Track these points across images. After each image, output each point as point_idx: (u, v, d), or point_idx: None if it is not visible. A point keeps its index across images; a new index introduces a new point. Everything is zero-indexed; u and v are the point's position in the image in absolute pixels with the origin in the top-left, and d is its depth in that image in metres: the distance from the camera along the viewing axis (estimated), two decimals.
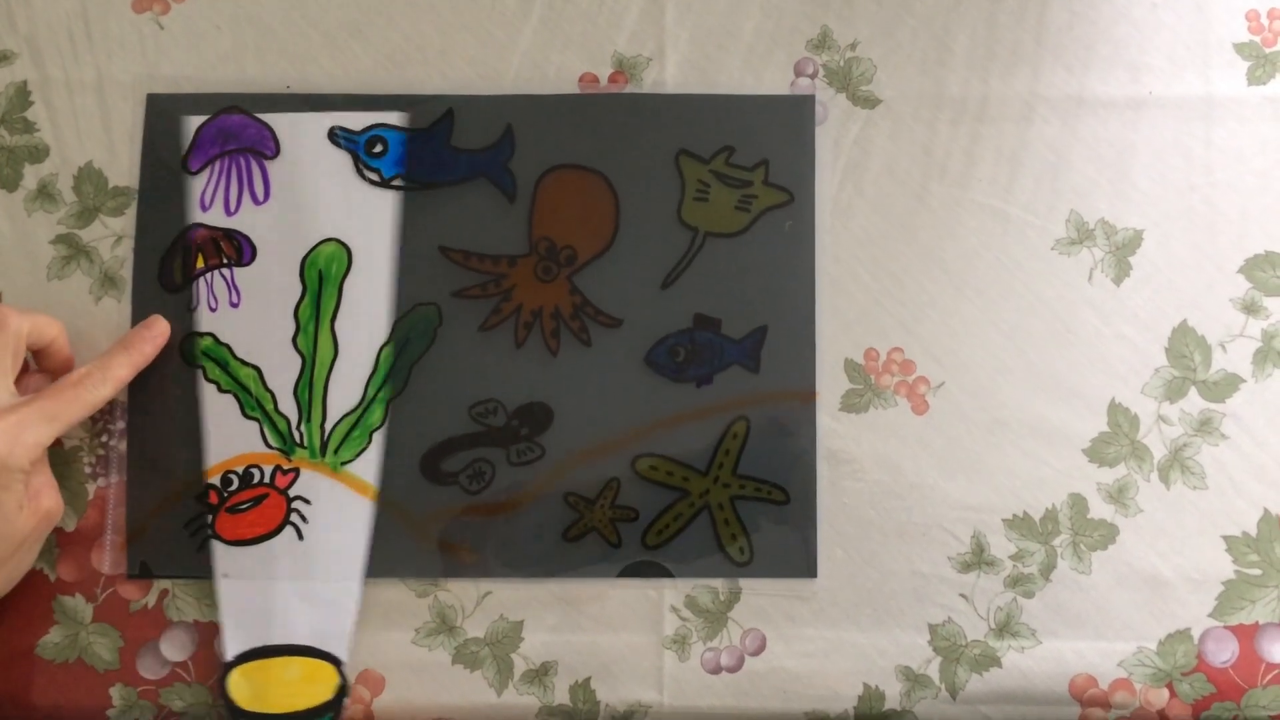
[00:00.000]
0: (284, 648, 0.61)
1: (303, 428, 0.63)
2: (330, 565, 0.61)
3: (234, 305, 0.63)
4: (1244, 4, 0.67)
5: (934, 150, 0.65)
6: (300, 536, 0.62)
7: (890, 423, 0.63)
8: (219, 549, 0.61)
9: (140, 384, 0.62)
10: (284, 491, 0.62)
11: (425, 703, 0.61)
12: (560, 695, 0.62)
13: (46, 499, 0.58)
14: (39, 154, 0.64)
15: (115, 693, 0.61)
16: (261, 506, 0.62)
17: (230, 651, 0.60)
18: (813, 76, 0.66)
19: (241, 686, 0.60)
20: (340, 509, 0.62)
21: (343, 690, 0.60)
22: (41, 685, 0.61)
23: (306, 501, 0.62)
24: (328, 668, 0.60)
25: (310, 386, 0.63)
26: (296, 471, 0.62)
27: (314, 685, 0.60)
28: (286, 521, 0.62)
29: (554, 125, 0.65)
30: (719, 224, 0.64)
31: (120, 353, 0.60)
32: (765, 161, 0.65)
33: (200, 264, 0.64)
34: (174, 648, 0.61)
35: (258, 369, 0.63)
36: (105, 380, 0.59)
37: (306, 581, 0.61)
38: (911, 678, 0.62)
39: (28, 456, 0.56)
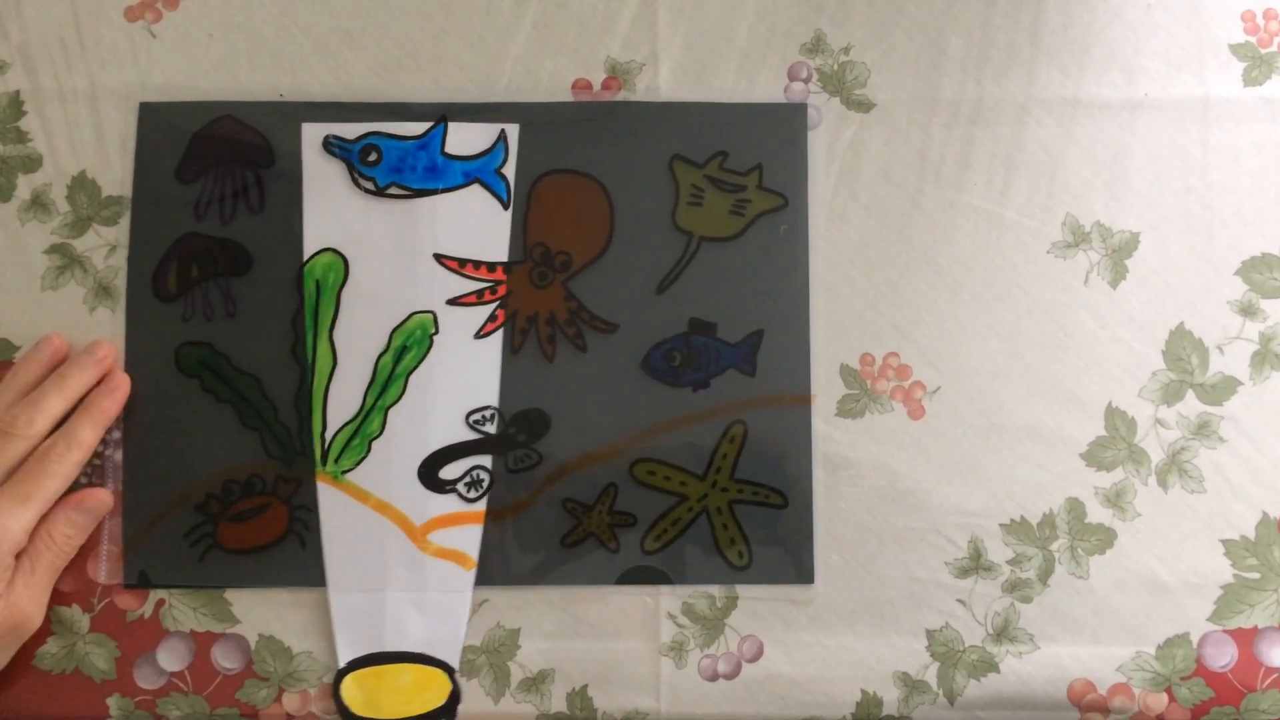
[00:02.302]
0: (396, 655, 0.61)
1: (304, 437, 0.62)
2: (443, 575, 0.62)
3: (230, 315, 0.63)
4: (1239, 5, 0.66)
5: (928, 154, 0.65)
6: (303, 545, 0.62)
7: (886, 428, 0.63)
8: (335, 561, 0.62)
9: (136, 395, 0.62)
10: (287, 500, 0.62)
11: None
12: (557, 703, 0.62)
13: (26, 605, 0.57)
14: (32, 164, 0.64)
15: (112, 703, 0.61)
16: (264, 515, 0.62)
17: (343, 658, 0.61)
18: (806, 81, 0.66)
19: (354, 693, 0.61)
20: (344, 517, 0.62)
21: (455, 697, 0.61)
22: (39, 696, 0.61)
23: (309, 510, 0.62)
24: (440, 675, 0.61)
25: (310, 396, 0.63)
26: (299, 480, 0.62)
27: (426, 692, 0.61)
28: (290, 530, 0.62)
29: (548, 131, 0.65)
30: (714, 228, 0.64)
31: (82, 416, 0.60)
32: (759, 166, 0.65)
33: (195, 273, 0.63)
34: (171, 658, 0.61)
35: (256, 379, 0.63)
36: (71, 447, 0.59)
37: (420, 592, 0.61)
38: (909, 684, 0.62)
39: (7, 542, 0.56)
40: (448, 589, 0.61)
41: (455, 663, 0.61)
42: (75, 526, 0.59)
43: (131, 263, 0.64)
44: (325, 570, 0.62)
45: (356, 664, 0.61)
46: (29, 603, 0.58)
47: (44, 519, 0.58)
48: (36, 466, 0.58)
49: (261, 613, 0.62)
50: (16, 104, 0.65)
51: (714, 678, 0.62)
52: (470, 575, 0.62)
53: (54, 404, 0.59)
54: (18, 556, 0.58)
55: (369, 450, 0.63)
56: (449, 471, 0.63)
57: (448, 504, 0.62)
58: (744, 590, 0.62)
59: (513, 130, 0.64)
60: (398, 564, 0.61)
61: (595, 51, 0.66)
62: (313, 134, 0.64)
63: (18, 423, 0.58)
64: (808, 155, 0.65)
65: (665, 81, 0.66)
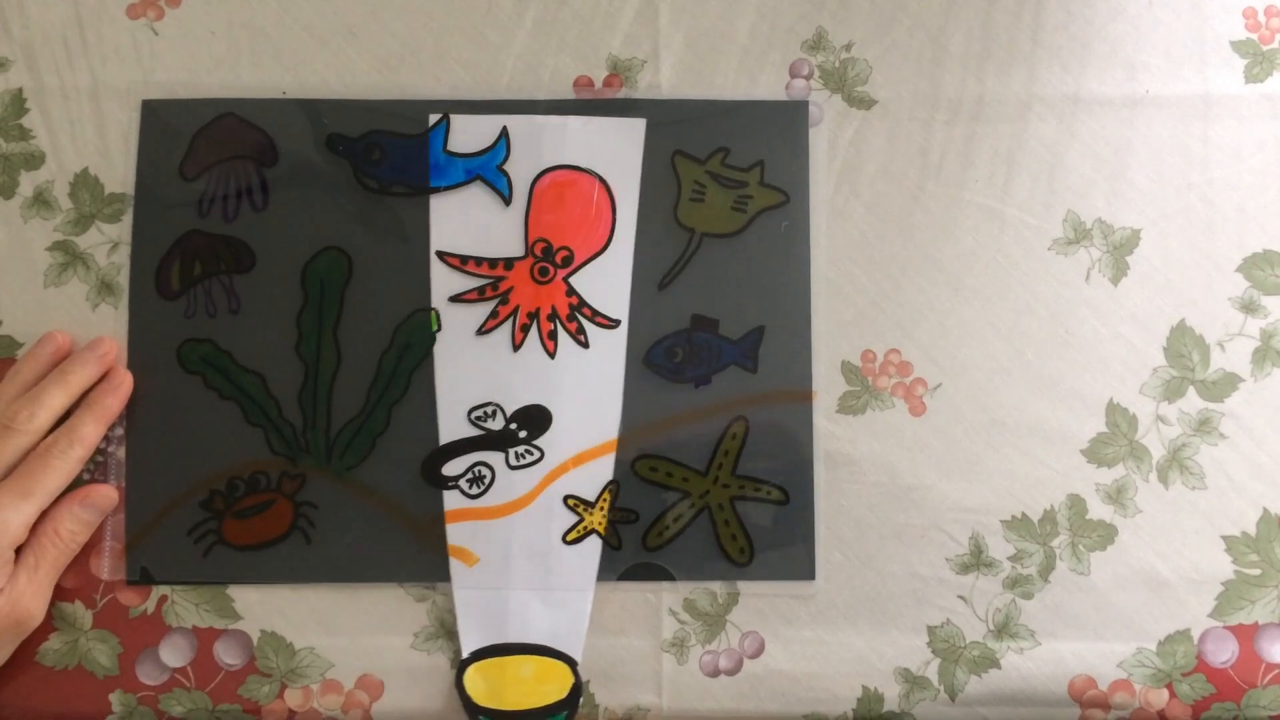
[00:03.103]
0: (519, 646, 0.61)
1: (308, 434, 0.63)
2: (569, 569, 0.62)
3: (233, 312, 0.63)
4: (1241, 1, 0.67)
5: (930, 151, 0.65)
6: (307, 541, 0.62)
7: (888, 424, 0.63)
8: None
9: (138, 392, 0.62)
10: (291, 497, 0.62)
11: (424, 707, 0.61)
12: None
13: (28, 601, 0.58)
14: (35, 161, 0.64)
15: (115, 699, 0.61)
16: (269, 512, 0.62)
17: (466, 648, 0.61)
18: (808, 78, 0.66)
19: (477, 683, 0.61)
20: (348, 513, 0.62)
21: (577, 690, 0.61)
22: (42, 692, 0.61)
23: (314, 506, 0.62)
24: (562, 667, 0.61)
25: (314, 393, 0.63)
26: (303, 477, 0.63)
27: (548, 684, 0.61)
28: (295, 526, 0.62)
29: (550, 128, 0.65)
30: (715, 224, 0.64)
31: (84, 412, 0.60)
32: (761, 162, 0.65)
33: (198, 271, 0.64)
34: (173, 654, 0.61)
35: (260, 376, 0.63)
36: (73, 443, 0.59)
37: (545, 588, 0.62)
38: (910, 680, 0.62)
39: (7, 536, 0.56)
40: (571, 584, 0.62)
41: (578, 656, 0.61)
42: (81, 523, 0.59)
43: (134, 260, 0.64)
44: (327, 566, 0.62)
45: (479, 654, 0.61)
46: (31, 598, 0.58)
47: (49, 515, 0.59)
48: (38, 462, 0.58)
49: (264, 609, 0.62)
50: (19, 101, 0.65)
51: (715, 674, 0.62)
52: (592, 570, 0.62)
53: (55, 400, 0.60)
54: (20, 552, 0.58)
55: (373, 447, 0.63)
56: (452, 468, 0.63)
57: (451, 500, 0.62)
58: (745, 587, 0.63)
59: (514, 127, 0.64)
60: (523, 558, 0.62)
61: (597, 49, 0.66)
62: (317, 133, 0.64)
63: (19, 418, 0.58)
64: (809, 152, 0.65)
65: (667, 79, 0.66)
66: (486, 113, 0.65)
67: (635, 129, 0.65)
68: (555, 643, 0.61)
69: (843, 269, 0.64)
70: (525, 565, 0.62)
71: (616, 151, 0.65)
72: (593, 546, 0.62)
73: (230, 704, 0.61)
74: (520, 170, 0.64)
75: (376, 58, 0.66)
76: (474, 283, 0.63)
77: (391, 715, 0.61)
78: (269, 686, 0.61)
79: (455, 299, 0.63)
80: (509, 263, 0.64)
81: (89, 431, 0.60)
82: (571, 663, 0.61)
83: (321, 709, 0.61)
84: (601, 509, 0.63)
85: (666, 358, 0.63)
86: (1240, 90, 0.66)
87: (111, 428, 0.62)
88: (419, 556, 0.62)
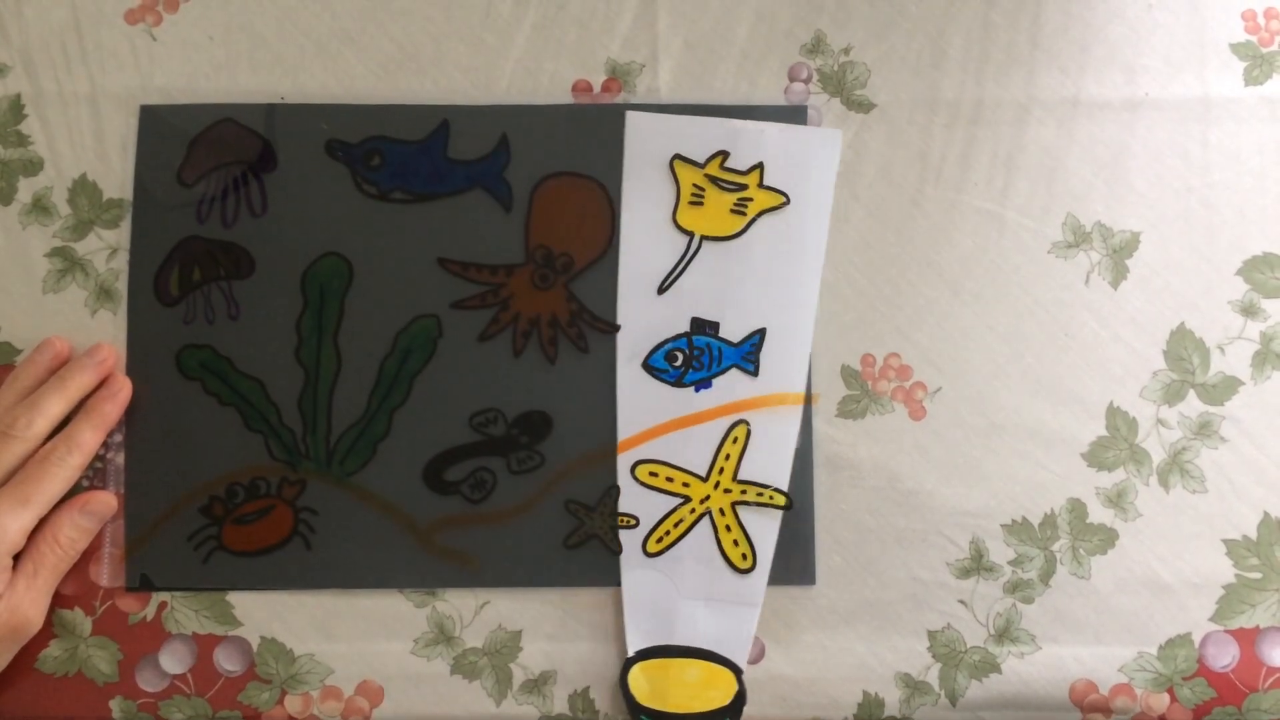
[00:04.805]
0: (684, 649, 0.61)
1: (308, 439, 0.63)
2: (735, 573, 0.62)
3: (232, 318, 0.63)
4: (1240, 4, 0.66)
5: (929, 154, 0.65)
6: (308, 547, 0.62)
7: (888, 429, 0.63)
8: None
9: (137, 398, 0.62)
10: (292, 502, 0.62)
11: (424, 713, 0.61)
12: (559, 705, 0.62)
13: (27, 608, 0.58)
14: (33, 167, 0.64)
15: (115, 706, 0.61)
16: (269, 517, 0.62)
17: (631, 647, 0.61)
18: (807, 81, 0.66)
19: (641, 683, 0.61)
20: (349, 519, 0.62)
21: (741, 698, 0.61)
22: (42, 699, 0.61)
23: (314, 512, 0.62)
24: (727, 674, 0.61)
25: (315, 399, 0.63)
26: (303, 482, 0.62)
27: (712, 689, 0.61)
28: (295, 532, 0.62)
29: (549, 134, 0.65)
30: (715, 228, 0.64)
31: (83, 419, 0.60)
32: (760, 165, 0.64)
33: (197, 276, 0.63)
34: (173, 660, 0.61)
35: (260, 382, 0.63)
36: (71, 450, 0.59)
37: (710, 594, 0.62)
38: (911, 684, 0.62)
39: (5, 543, 0.56)
40: (735, 599, 0.62)
41: (742, 663, 0.61)
42: (80, 530, 0.59)
43: (133, 266, 0.64)
44: (327, 572, 0.62)
45: (644, 654, 0.61)
46: (30, 605, 0.58)
47: (49, 522, 0.59)
48: (37, 469, 0.58)
49: (263, 615, 0.62)
50: (17, 107, 0.65)
51: None
52: (762, 578, 0.62)
53: (54, 406, 0.60)
54: (19, 559, 0.58)
55: (374, 452, 0.63)
56: (453, 473, 0.63)
57: (452, 505, 0.62)
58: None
59: (514, 133, 0.64)
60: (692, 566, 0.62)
61: (595, 53, 0.66)
62: (316, 138, 0.64)
63: (17, 424, 0.58)
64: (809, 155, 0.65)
65: (665, 83, 0.66)
66: (486, 118, 0.65)
67: (832, 139, 0.65)
68: (721, 648, 0.62)
69: (842, 273, 0.64)
70: (695, 569, 0.62)
71: (811, 159, 0.65)
72: (767, 548, 0.62)
73: (230, 711, 0.61)
74: (520, 177, 0.64)
75: (375, 63, 0.66)
76: (475, 289, 0.63)
77: None
78: (269, 693, 0.61)
79: (456, 305, 0.63)
80: (510, 269, 0.64)
81: (88, 438, 0.60)
82: (737, 670, 0.61)
83: (321, 715, 0.61)
84: (602, 514, 0.62)
85: (666, 362, 0.63)
86: (1240, 93, 0.66)
87: (110, 434, 0.62)
88: (419, 562, 0.62)
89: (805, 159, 0.64)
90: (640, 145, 0.64)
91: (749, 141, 0.64)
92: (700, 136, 0.65)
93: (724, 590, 0.62)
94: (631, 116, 0.65)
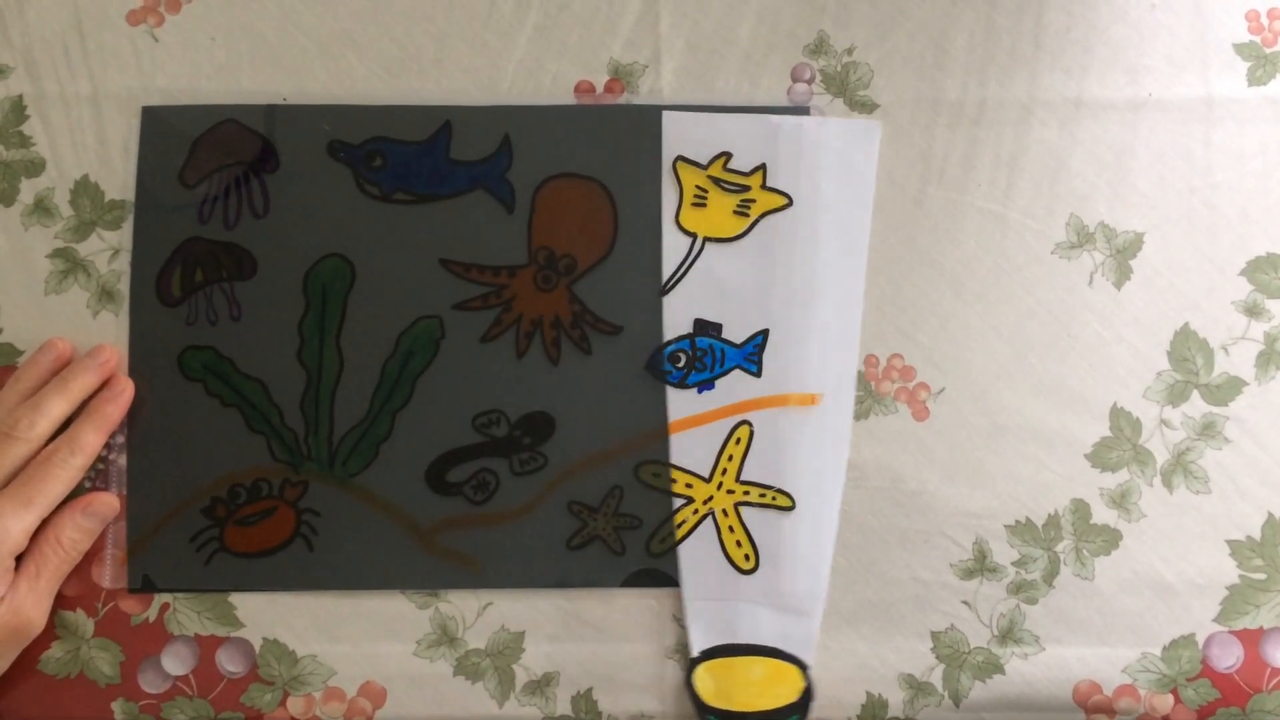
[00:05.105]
0: (749, 647, 0.61)
1: (310, 441, 0.63)
2: (798, 571, 0.62)
3: (234, 319, 0.63)
4: (1243, 4, 0.66)
5: (932, 155, 0.65)
6: (310, 548, 0.62)
7: (891, 429, 0.63)
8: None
9: (139, 399, 0.62)
10: (294, 504, 0.62)
11: (426, 715, 0.61)
12: (562, 706, 0.62)
13: (29, 609, 0.58)
14: (35, 168, 0.64)
15: (117, 707, 0.61)
16: (271, 519, 0.62)
17: (696, 647, 0.61)
18: (809, 82, 0.65)
19: (706, 682, 0.61)
20: (352, 520, 0.62)
21: (808, 694, 0.61)
22: (44, 700, 0.61)
23: (316, 513, 0.62)
24: (793, 670, 0.61)
25: (317, 400, 0.63)
26: (305, 484, 0.62)
27: (778, 687, 0.61)
28: (297, 533, 0.62)
29: (551, 135, 0.65)
30: (717, 229, 0.64)
31: (85, 420, 0.60)
32: (763, 166, 0.64)
33: (199, 278, 0.63)
34: (175, 662, 0.61)
35: (262, 383, 0.63)
36: (74, 451, 0.59)
37: (774, 592, 0.62)
38: (914, 685, 0.62)
39: (7, 544, 0.56)
40: (800, 585, 0.62)
41: (809, 659, 0.61)
42: (82, 531, 0.59)
43: (135, 267, 0.64)
44: (330, 573, 0.62)
45: (709, 654, 0.61)
46: (32, 606, 0.58)
47: (51, 524, 0.59)
48: (39, 470, 0.58)
49: (266, 616, 0.62)
50: (20, 108, 0.65)
51: None
52: (824, 573, 0.62)
53: (56, 407, 0.59)
54: (21, 560, 0.58)
55: (376, 454, 0.63)
56: (456, 474, 0.63)
57: (455, 507, 0.62)
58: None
59: (516, 134, 0.64)
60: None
61: (598, 54, 0.66)
62: (318, 139, 0.64)
63: (19, 426, 0.58)
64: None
65: (668, 84, 0.65)
66: (488, 118, 0.65)
67: (871, 131, 0.65)
68: (785, 645, 0.61)
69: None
70: (756, 582, 0.62)
71: (850, 152, 0.65)
72: (825, 549, 0.62)
73: (232, 712, 0.61)
74: (523, 178, 0.64)
75: (377, 64, 0.65)
76: (478, 290, 0.63)
77: None
78: (271, 694, 0.61)
79: (459, 306, 0.63)
80: (512, 270, 0.64)
81: (90, 440, 0.60)
82: (802, 666, 0.61)
83: (324, 716, 0.61)
84: (605, 515, 0.62)
85: (669, 363, 0.63)
86: (1243, 93, 0.66)
87: (112, 435, 0.62)
88: (422, 563, 0.62)
89: (846, 151, 0.64)
90: (678, 143, 0.64)
91: (789, 137, 0.64)
92: (746, 133, 0.65)
93: (787, 586, 0.62)
94: (669, 116, 0.65)
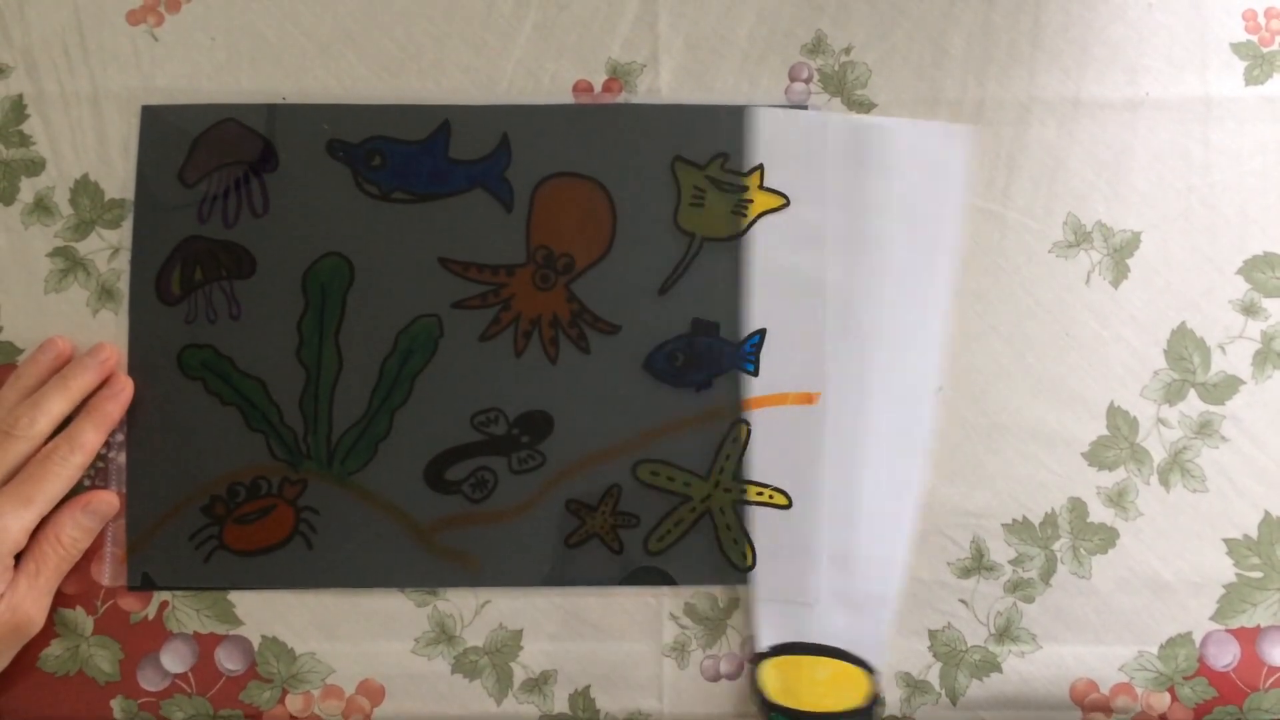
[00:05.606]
0: (817, 647, 0.61)
1: (309, 439, 0.63)
2: (870, 573, 0.61)
3: (234, 318, 0.63)
4: (1241, 4, 0.67)
5: None
6: (309, 546, 0.62)
7: None
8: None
9: (139, 397, 0.62)
10: (293, 502, 0.62)
11: (424, 712, 0.61)
12: (560, 704, 0.62)
13: (28, 607, 0.58)
14: (35, 167, 0.64)
15: (116, 705, 0.61)
16: (270, 517, 0.62)
17: (763, 642, 0.61)
18: (808, 81, 0.66)
19: (772, 678, 0.61)
20: (350, 518, 0.62)
21: (874, 699, 0.60)
22: (43, 698, 0.61)
23: (315, 511, 0.62)
24: (860, 673, 0.61)
25: (316, 399, 0.63)
26: (304, 482, 0.63)
27: (844, 689, 0.61)
28: (296, 532, 0.62)
29: (550, 134, 0.65)
30: (715, 229, 0.64)
31: (85, 418, 0.60)
32: (760, 166, 0.65)
33: (199, 276, 0.64)
34: (174, 659, 0.61)
35: (261, 381, 0.63)
36: (73, 449, 0.59)
37: (846, 593, 0.61)
38: (911, 684, 0.62)
39: (6, 542, 0.56)
40: (872, 587, 0.61)
41: (879, 664, 0.61)
42: (82, 529, 0.60)
43: (134, 266, 0.64)
44: (328, 571, 0.62)
45: (777, 650, 0.61)
46: (31, 604, 0.58)
47: (51, 522, 0.59)
48: (38, 468, 0.58)
49: (265, 614, 0.62)
50: (20, 108, 0.65)
51: (716, 678, 0.62)
52: (896, 578, 0.61)
53: (56, 406, 0.60)
54: (21, 558, 0.58)
55: (375, 452, 0.63)
56: (454, 473, 0.63)
57: (453, 505, 0.62)
58: (746, 591, 0.62)
59: (515, 133, 0.64)
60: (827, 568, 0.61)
61: (596, 53, 0.66)
62: (317, 138, 0.64)
63: (19, 424, 0.58)
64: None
65: (666, 83, 0.66)
66: (487, 118, 0.65)
67: (962, 136, 0.64)
68: (855, 648, 0.61)
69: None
70: (828, 569, 0.61)
71: (940, 155, 0.64)
72: (899, 549, 0.62)
73: (231, 710, 0.61)
74: (521, 177, 0.64)
75: (376, 63, 0.66)
76: (476, 289, 0.63)
77: None
78: (270, 692, 0.61)
79: (458, 305, 0.63)
80: (510, 269, 0.64)
81: (90, 438, 0.60)
82: (870, 670, 0.61)
83: (323, 714, 0.61)
84: (603, 513, 0.62)
85: (668, 362, 0.63)
86: (1241, 93, 0.66)
87: (112, 434, 0.62)
88: (420, 562, 0.62)
89: (933, 154, 0.64)
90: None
91: (877, 138, 0.64)
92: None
93: (860, 587, 0.61)
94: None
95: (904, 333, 0.63)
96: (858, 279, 0.63)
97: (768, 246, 0.64)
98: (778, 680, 0.61)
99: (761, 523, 0.62)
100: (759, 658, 0.61)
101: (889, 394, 0.63)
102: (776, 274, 0.64)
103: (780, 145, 0.64)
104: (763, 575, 0.61)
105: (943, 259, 0.64)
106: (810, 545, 0.62)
